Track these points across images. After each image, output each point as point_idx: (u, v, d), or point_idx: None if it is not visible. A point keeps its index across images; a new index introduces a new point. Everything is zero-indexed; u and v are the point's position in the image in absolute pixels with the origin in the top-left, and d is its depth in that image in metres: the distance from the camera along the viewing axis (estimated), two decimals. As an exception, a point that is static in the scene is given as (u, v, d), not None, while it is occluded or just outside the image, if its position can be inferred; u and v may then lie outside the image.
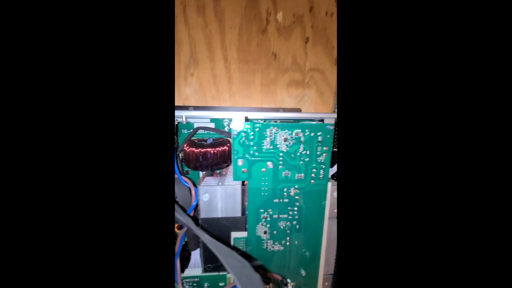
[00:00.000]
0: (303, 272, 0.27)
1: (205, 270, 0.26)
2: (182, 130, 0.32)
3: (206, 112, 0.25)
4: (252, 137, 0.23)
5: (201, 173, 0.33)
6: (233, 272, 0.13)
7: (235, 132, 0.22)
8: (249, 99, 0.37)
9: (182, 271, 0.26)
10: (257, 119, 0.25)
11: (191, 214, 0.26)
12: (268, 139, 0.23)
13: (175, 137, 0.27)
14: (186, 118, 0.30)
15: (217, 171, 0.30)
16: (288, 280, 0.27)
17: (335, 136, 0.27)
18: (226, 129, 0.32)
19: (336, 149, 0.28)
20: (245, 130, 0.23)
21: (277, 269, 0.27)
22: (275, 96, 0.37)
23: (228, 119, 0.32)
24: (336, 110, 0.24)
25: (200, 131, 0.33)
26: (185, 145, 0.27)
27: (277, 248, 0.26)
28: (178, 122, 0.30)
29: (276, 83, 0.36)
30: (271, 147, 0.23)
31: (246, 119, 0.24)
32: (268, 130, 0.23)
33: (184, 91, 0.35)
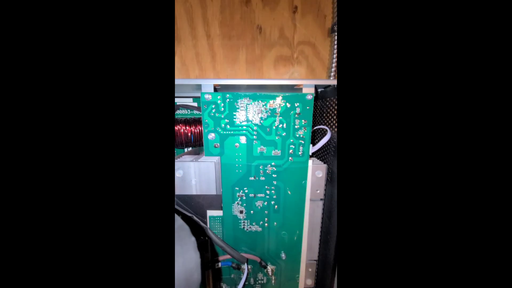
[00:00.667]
0: (283, 255, 0.26)
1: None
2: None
3: (178, 80, 0.23)
4: (222, 109, 0.21)
5: (185, 150, 0.33)
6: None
7: (205, 104, 0.21)
8: (234, 78, 0.35)
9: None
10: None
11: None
12: (239, 111, 0.21)
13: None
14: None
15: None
16: (268, 263, 0.26)
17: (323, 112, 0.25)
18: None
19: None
20: (214, 101, 0.21)
21: (255, 251, 0.26)
22: (261, 74, 0.34)
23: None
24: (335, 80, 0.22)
25: (184, 112, 0.32)
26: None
27: (254, 229, 0.25)
28: None
29: (262, 60, 0.34)
30: (243, 120, 0.22)
31: (215, 89, 0.22)
32: (239, 100, 0.21)
33: (168, 71, 0.35)
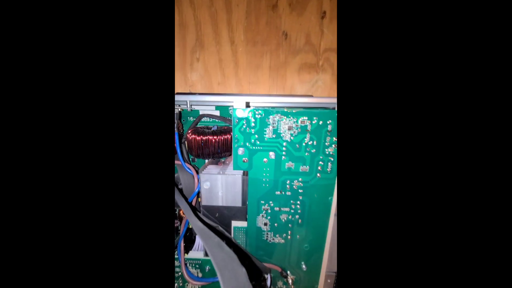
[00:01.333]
0: (304, 267, 0.26)
1: (205, 254, 0.27)
2: (188, 117, 0.31)
3: (208, 97, 0.24)
4: (253, 124, 0.21)
5: (206, 161, 0.33)
6: (217, 266, 0.12)
7: (236, 119, 0.21)
8: (257, 85, 0.35)
9: (186, 252, 0.28)
10: (263, 107, 0.23)
11: (193, 201, 0.26)
12: (270, 127, 0.21)
13: (180, 124, 0.27)
14: (190, 104, 0.29)
15: (222, 160, 0.30)
16: (288, 272, 0.27)
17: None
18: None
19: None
20: (246, 117, 0.21)
21: (276, 261, 0.26)
22: (285, 81, 0.34)
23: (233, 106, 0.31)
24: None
25: (206, 119, 0.32)
26: (188, 132, 0.27)
27: (277, 240, 0.25)
28: (182, 109, 0.30)
29: (286, 67, 0.33)
30: (273, 136, 0.22)
31: (247, 105, 0.22)
32: (271, 117, 0.21)
33: (190, 77, 0.35)
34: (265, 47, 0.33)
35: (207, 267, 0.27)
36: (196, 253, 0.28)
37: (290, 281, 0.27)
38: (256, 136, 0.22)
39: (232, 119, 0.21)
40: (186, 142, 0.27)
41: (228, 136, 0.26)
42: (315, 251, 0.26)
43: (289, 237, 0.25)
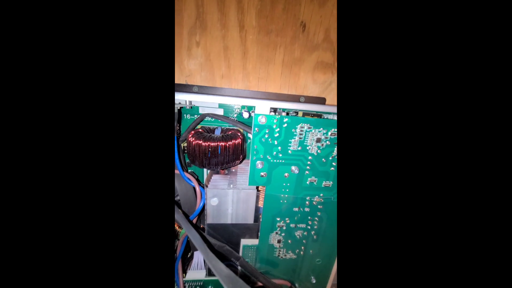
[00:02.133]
0: (313, 279, 0.25)
1: (209, 273, 0.24)
2: (185, 115, 0.26)
3: (216, 97, 0.19)
4: (277, 134, 0.18)
5: (205, 169, 0.29)
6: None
7: (257, 128, 0.17)
8: (266, 82, 0.30)
9: (184, 273, 0.24)
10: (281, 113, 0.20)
11: (195, 219, 0.22)
12: (297, 138, 0.18)
13: (176, 123, 0.22)
14: (190, 101, 0.24)
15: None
16: (296, 285, 0.26)
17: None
18: (234, 116, 0.26)
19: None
20: (269, 125, 0.17)
21: (286, 275, 0.25)
22: (298, 80, 0.30)
23: (241, 106, 0.26)
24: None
25: (208, 118, 0.27)
26: (189, 136, 0.22)
27: (289, 256, 0.24)
28: (182, 106, 0.25)
29: (300, 64, 0.30)
30: (299, 148, 0.19)
31: (274, 110, 0.19)
32: (298, 126, 0.18)
33: (187, 65, 0.28)
34: (280, 38, 0.29)
35: (210, 287, 0.24)
36: (196, 273, 0.24)
37: (298, 295, 0.26)
38: (279, 148, 0.18)
39: (252, 126, 0.17)
40: (188, 147, 0.22)
41: (238, 141, 0.22)
42: (327, 264, 0.25)
43: (301, 252, 0.24)
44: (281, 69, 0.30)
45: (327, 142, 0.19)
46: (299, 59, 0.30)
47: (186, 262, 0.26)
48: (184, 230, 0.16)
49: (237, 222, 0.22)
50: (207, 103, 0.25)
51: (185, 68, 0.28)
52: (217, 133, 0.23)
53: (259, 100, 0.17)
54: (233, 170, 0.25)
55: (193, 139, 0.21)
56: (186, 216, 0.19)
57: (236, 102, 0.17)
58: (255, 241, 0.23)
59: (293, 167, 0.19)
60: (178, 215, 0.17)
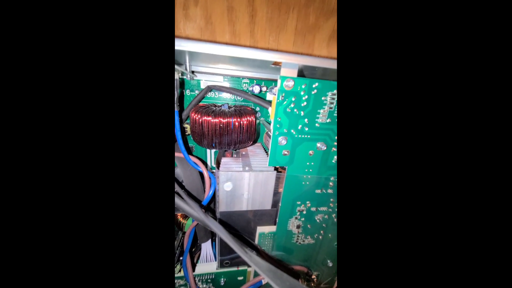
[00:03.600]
0: (329, 263, 0.24)
1: (221, 265, 0.22)
2: (186, 90, 0.22)
3: (230, 48, 0.13)
4: (305, 103, 0.15)
5: (208, 151, 0.26)
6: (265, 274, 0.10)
7: (282, 94, 0.14)
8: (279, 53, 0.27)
9: (194, 268, 0.22)
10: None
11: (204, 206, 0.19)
12: (326, 108, 0.16)
13: (176, 100, 0.18)
14: (192, 71, 0.20)
15: (231, 150, 0.23)
16: (313, 271, 0.25)
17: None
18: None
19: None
20: (296, 90, 0.14)
21: (302, 261, 0.23)
22: (312, 51, 0.27)
23: (249, 80, 0.23)
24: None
25: (210, 95, 0.23)
26: (192, 113, 0.18)
27: (307, 241, 0.22)
28: (183, 77, 0.20)
29: (315, 32, 0.26)
30: (328, 120, 0.16)
31: (301, 73, 0.16)
32: (329, 93, 0.15)
33: (184, 28, 0.24)
34: (293, 0, 0.25)
35: (223, 280, 0.22)
36: (206, 266, 0.22)
37: (314, 279, 0.25)
38: (306, 120, 0.16)
39: (277, 92, 0.14)
40: (192, 125, 0.18)
41: (252, 118, 0.19)
42: (344, 247, 0.24)
43: (320, 237, 0.22)
44: (294, 37, 0.26)
45: (359, 113, 0.16)
46: (314, 25, 0.26)
47: (193, 255, 0.24)
48: (211, 226, 0.13)
49: (253, 209, 0.19)
50: (211, 72, 0.22)
51: (182, 31, 0.24)
52: (224, 108, 0.19)
53: (287, 55, 0.14)
54: (244, 153, 0.22)
55: (199, 115, 0.18)
56: (201, 207, 0.16)
57: (257, 56, 0.13)
58: (272, 228, 0.20)
59: (318, 144, 0.17)
60: (197, 213, 0.14)
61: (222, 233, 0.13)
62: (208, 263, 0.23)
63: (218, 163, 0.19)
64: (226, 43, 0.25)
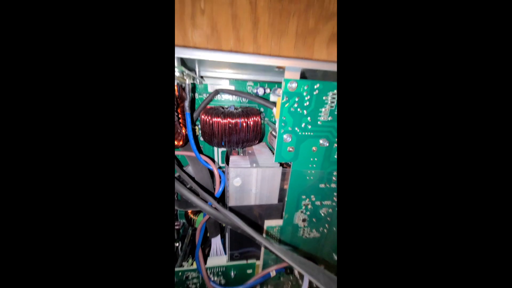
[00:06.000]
0: (335, 256, 0.25)
1: (231, 258, 0.23)
2: (193, 94, 0.23)
3: (236, 56, 0.14)
4: (307, 103, 0.16)
5: (216, 150, 0.27)
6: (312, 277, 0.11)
7: (286, 95, 0.16)
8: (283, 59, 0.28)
9: (205, 261, 0.23)
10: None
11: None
12: (327, 107, 0.17)
13: (188, 102, 0.19)
14: (200, 76, 0.22)
15: (237, 149, 0.24)
16: (318, 264, 0.26)
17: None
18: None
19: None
20: (299, 92, 0.16)
21: (308, 254, 0.24)
22: (312, 53, 0.28)
23: (254, 83, 0.24)
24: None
25: (218, 98, 0.25)
26: (202, 114, 0.20)
27: (313, 235, 0.23)
28: (194, 82, 0.22)
29: (315, 35, 0.28)
30: (329, 118, 0.17)
31: (303, 76, 0.17)
32: (330, 93, 0.16)
33: (191, 36, 0.25)
34: (293, 5, 0.27)
35: (233, 273, 0.23)
36: (217, 260, 0.23)
37: (320, 272, 0.26)
38: (309, 118, 0.17)
39: (281, 94, 0.15)
40: (202, 126, 0.20)
41: (258, 118, 0.20)
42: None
43: (325, 230, 0.23)
44: (295, 40, 0.28)
45: (358, 110, 0.18)
46: (313, 29, 0.28)
47: (204, 249, 0.25)
48: (239, 225, 0.14)
49: (261, 203, 0.20)
50: (217, 78, 0.23)
51: (190, 40, 0.25)
52: (231, 109, 0.21)
53: (291, 60, 0.15)
54: (250, 151, 0.23)
55: (209, 117, 0.19)
56: (215, 199, 0.17)
57: (262, 62, 0.15)
58: (279, 222, 0.22)
59: (321, 140, 0.18)
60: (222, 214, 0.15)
61: (246, 228, 0.14)
62: (218, 257, 0.24)
63: (227, 160, 0.20)
64: (231, 49, 0.27)
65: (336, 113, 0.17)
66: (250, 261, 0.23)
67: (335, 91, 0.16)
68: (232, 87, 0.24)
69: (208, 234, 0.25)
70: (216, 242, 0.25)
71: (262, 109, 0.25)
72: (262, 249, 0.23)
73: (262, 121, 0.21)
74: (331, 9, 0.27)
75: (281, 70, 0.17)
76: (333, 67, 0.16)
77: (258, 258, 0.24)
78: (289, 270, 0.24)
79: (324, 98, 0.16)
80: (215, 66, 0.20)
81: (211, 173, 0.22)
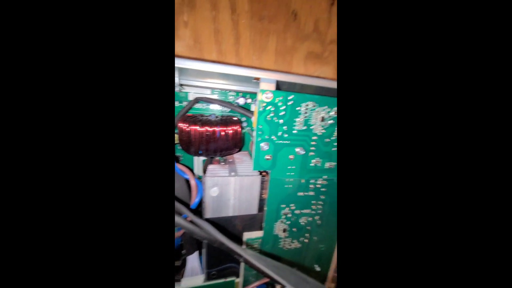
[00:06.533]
0: (317, 268, 0.25)
1: (208, 278, 0.21)
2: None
3: (217, 66, 0.15)
4: (283, 112, 0.17)
5: (195, 160, 0.26)
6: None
7: (262, 104, 0.16)
8: (260, 71, 0.30)
9: (178, 280, 0.21)
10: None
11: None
12: (302, 117, 0.18)
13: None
14: (180, 84, 0.22)
15: (218, 158, 0.24)
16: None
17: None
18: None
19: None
20: (274, 102, 0.16)
21: (290, 266, 0.24)
22: (291, 68, 0.30)
23: (236, 93, 0.25)
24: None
25: (199, 106, 0.25)
26: (179, 122, 0.20)
27: (294, 246, 0.23)
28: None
29: (293, 53, 0.30)
30: (304, 128, 0.18)
31: (278, 87, 0.18)
32: (303, 104, 0.17)
33: (174, 46, 0.26)
34: (272, 25, 0.29)
35: (210, 294, 0.21)
36: (192, 280, 0.21)
37: (302, 286, 0.25)
38: (285, 127, 0.18)
39: (257, 103, 0.16)
40: (180, 134, 0.19)
41: (237, 127, 0.20)
42: (329, 248, 0.25)
43: (306, 240, 0.23)
44: (275, 57, 0.30)
45: (331, 121, 0.19)
46: (291, 47, 0.30)
47: (178, 269, 0.23)
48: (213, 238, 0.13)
49: (240, 214, 0.20)
50: (199, 85, 0.23)
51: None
52: (212, 118, 0.21)
53: (266, 72, 0.16)
54: (230, 160, 0.23)
55: (186, 125, 0.19)
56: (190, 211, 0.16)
57: (241, 73, 0.15)
58: (259, 233, 0.21)
59: (297, 149, 0.19)
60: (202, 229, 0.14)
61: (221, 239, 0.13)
62: (194, 277, 0.22)
63: (205, 170, 0.20)
64: (213, 61, 0.28)
65: (309, 123, 0.18)
66: (229, 279, 0.22)
67: (308, 102, 0.17)
68: (215, 96, 0.25)
69: (183, 251, 0.23)
70: (192, 260, 0.23)
71: (244, 118, 0.25)
72: (242, 265, 0.22)
73: (242, 130, 0.21)
74: (306, 31, 0.30)
75: (258, 81, 0.18)
76: (304, 80, 0.17)
77: (237, 276, 0.22)
78: (270, 286, 0.23)
79: (297, 108, 0.17)
80: (196, 76, 0.20)
81: (188, 183, 0.21)
